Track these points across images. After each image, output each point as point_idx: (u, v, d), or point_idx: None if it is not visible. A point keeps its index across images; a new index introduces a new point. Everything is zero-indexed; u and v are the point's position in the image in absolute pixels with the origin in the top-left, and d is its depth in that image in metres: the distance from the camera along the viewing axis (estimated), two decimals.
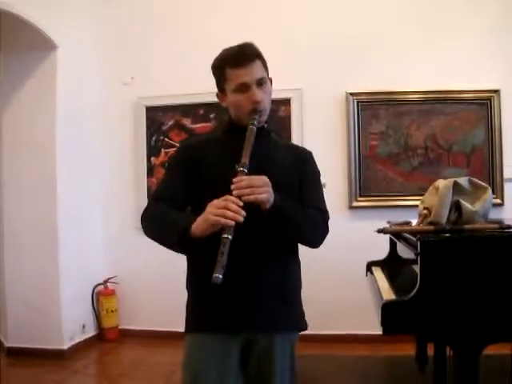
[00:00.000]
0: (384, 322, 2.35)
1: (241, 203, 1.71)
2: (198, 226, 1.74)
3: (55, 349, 4.79)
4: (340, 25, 5.17)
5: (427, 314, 2.31)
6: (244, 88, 1.93)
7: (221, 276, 1.62)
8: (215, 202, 1.73)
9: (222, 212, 1.68)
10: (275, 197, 1.81)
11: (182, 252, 1.92)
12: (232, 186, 1.75)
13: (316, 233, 2.01)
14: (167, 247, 1.88)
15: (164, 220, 1.90)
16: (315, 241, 2.03)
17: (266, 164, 1.92)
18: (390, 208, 4.92)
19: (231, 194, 1.73)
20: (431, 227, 2.56)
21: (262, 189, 1.77)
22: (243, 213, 1.69)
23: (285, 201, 1.87)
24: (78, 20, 5.17)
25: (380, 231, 2.88)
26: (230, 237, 1.67)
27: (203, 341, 1.96)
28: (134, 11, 5.54)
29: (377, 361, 4.54)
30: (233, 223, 1.68)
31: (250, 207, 1.74)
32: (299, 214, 1.93)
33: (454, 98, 4.99)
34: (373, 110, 5.11)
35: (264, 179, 1.79)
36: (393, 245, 3.70)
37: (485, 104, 4.98)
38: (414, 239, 2.44)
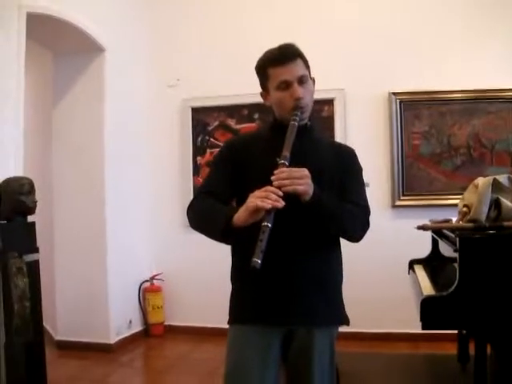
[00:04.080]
0: (423, 318, 2.37)
1: (280, 193, 1.75)
2: (240, 216, 1.79)
3: (102, 343, 4.92)
4: (383, 25, 5.16)
5: (466, 309, 2.33)
6: (285, 85, 1.98)
7: (259, 261, 1.65)
8: (256, 192, 1.78)
9: (261, 200, 1.73)
10: (315, 189, 1.85)
11: (226, 242, 1.97)
12: (272, 177, 1.79)
13: (355, 226, 2.02)
14: (211, 238, 1.93)
15: (208, 212, 1.96)
16: (354, 234, 2.04)
17: (307, 159, 1.95)
18: (432, 207, 4.89)
19: (272, 186, 1.78)
20: (470, 224, 2.58)
21: (301, 180, 1.80)
22: (282, 202, 1.73)
23: (324, 193, 1.90)
24: (124, 24, 5.30)
25: (420, 228, 2.92)
26: (269, 224, 1.71)
27: (245, 332, 2.01)
28: (179, 14, 5.64)
29: (418, 359, 4.52)
30: (270, 206, 1.71)
31: (291, 199, 1.78)
32: (338, 206, 1.95)
33: (497, 97, 4.94)
34: (415, 110, 5.11)
35: (304, 171, 1.83)
36: (435, 243, 3.71)
37: None
38: (454, 236, 2.46)
